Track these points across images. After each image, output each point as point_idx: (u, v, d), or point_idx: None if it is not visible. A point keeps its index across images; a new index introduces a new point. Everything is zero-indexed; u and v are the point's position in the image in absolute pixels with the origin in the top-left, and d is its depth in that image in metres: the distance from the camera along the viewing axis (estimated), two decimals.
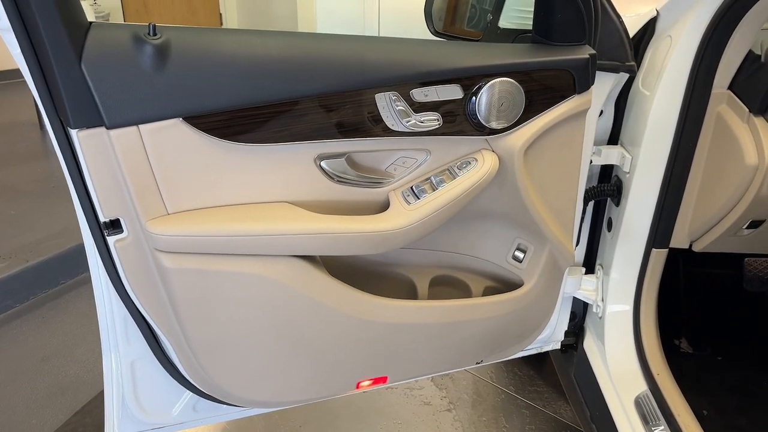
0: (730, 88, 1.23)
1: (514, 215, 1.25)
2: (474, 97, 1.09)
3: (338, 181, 1.11)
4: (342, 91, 1.01)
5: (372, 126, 1.06)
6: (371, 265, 1.27)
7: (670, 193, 1.30)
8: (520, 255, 1.31)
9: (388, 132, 1.08)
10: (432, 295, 1.32)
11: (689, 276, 1.76)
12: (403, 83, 1.04)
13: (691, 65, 1.21)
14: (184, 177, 0.97)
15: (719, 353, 1.66)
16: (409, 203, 1.11)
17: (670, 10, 1.25)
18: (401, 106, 1.06)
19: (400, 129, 1.08)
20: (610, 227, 1.45)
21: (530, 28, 1.28)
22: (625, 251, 1.41)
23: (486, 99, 1.09)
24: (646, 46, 1.32)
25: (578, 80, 1.14)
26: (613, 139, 1.36)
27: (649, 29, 1.31)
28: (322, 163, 1.08)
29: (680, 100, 1.23)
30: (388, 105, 1.05)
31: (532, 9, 1.24)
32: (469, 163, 1.14)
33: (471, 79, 1.08)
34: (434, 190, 1.12)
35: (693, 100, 1.22)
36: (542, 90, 1.13)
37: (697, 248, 1.40)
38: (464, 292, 1.34)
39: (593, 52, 1.14)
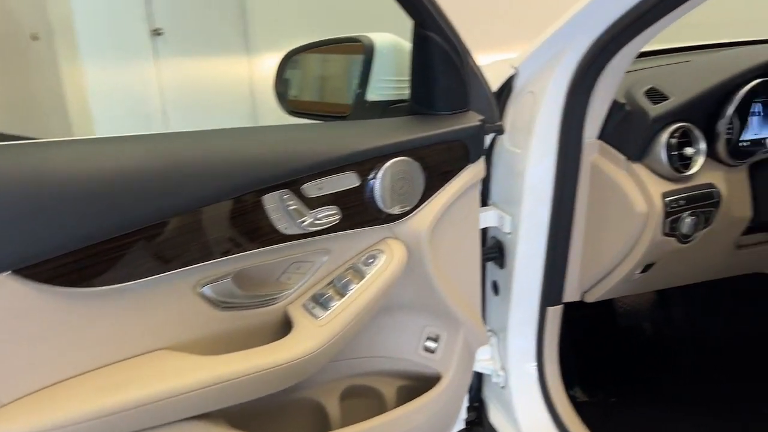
0: (601, 137, 1.24)
1: (422, 303, 1.11)
2: (372, 183, 0.95)
3: (224, 307, 0.88)
4: (222, 200, 0.81)
5: (262, 234, 0.87)
6: (268, 398, 1.04)
7: (557, 248, 1.26)
8: (432, 345, 1.17)
9: (282, 238, 0.89)
10: (344, 411, 1.12)
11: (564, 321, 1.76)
12: (293, 178, 0.87)
13: (559, 120, 1.19)
14: (23, 349, 0.69)
15: (611, 395, 1.67)
16: (317, 317, 0.92)
17: (528, 67, 1.23)
18: (294, 204, 0.88)
19: (295, 232, 0.89)
20: (497, 291, 1.38)
21: (400, 98, 1.18)
22: (519, 313, 1.34)
23: (385, 183, 0.96)
24: (506, 103, 1.29)
25: (472, 149, 1.06)
26: (482, 200, 1.31)
27: (507, 87, 1.28)
28: (204, 290, 0.85)
29: (554, 155, 1.21)
30: (279, 206, 0.86)
31: (403, 78, 1.14)
32: (375, 256, 0.99)
33: (367, 163, 0.94)
34: (342, 296, 0.95)
35: (566, 154, 1.20)
36: (439, 165, 1.03)
37: (589, 299, 1.38)
38: (377, 400, 1.16)
39: (482, 117, 1.07)
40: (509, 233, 1.28)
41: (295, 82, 1.23)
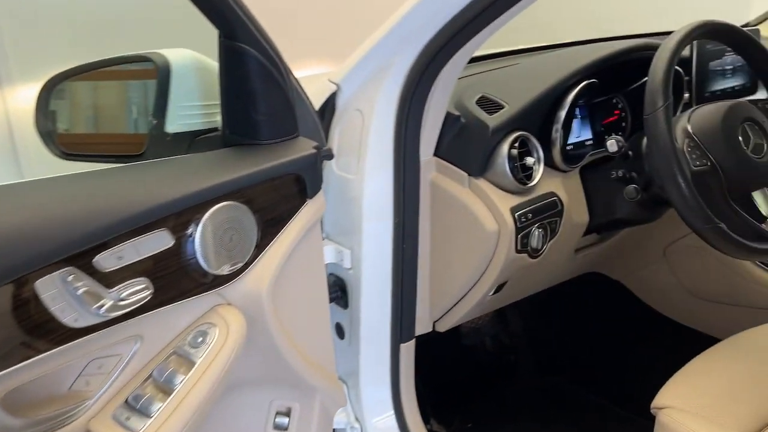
0: (438, 154, 1.14)
1: (268, 375, 0.91)
2: (191, 240, 0.73)
3: None
4: None
5: (40, 335, 0.61)
6: None
7: (405, 279, 1.14)
8: (283, 421, 0.97)
9: (71, 333, 0.63)
10: None
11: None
12: (78, 251, 0.62)
13: (392, 138, 1.07)
14: None
15: (467, 419, 1.59)
16: (135, 431, 0.68)
17: (352, 83, 1.09)
18: (85, 286, 0.63)
19: (90, 322, 0.65)
20: (341, 334, 1.23)
21: (210, 126, 0.97)
22: (369, 355, 1.20)
23: (207, 238, 0.75)
24: (329, 124, 1.15)
25: (309, 182, 0.89)
26: None
27: (330, 105, 1.13)
28: None
29: (391, 178, 1.09)
30: (61, 292, 0.61)
31: (211, 103, 0.93)
32: (205, 333, 0.77)
33: (181, 216, 0.72)
34: (168, 394, 0.71)
35: (404, 175, 1.09)
36: (273, 205, 0.84)
37: (442, 329, 1.28)
38: None
39: (316, 144, 0.90)
40: (350, 268, 1.13)
41: (65, 116, 0.95)
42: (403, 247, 1.12)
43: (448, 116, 1.10)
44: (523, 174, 1.09)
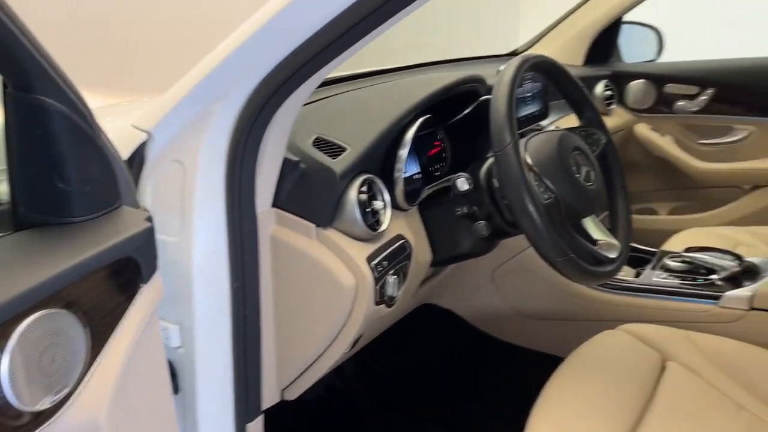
0: (277, 205, 1.01)
1: None
2: None
3: None
4: None
5: None
6: None
7: (248, 351, 1.00)
8: None
9: None
10: None
11: None
12: None
13: (224, 192, 0.93)
14: None
15: None
16: None
17: (166, 130, 0.92)
18: None
19: None
20: None
21: None
22: None
23: (18, 367, 0.54)
24: (137, 178, 0.96)
25: (144, 264, 0.70)
26: None
27: (138, 156, 0.95)
28: None
29: (224, 237, 0.94)
30: None
31: None
32: None
33: None
34: None
35: (240, 233, 0.95)
36: (103, 302, 0.64)
37: (291, 396, 1.14)
38: None
39: (147, 214, 0.72)
40: (179, 347, 0.95)
41: None
42: (245, 314, 0.98)
43: (286, 162, 0.99)
44: (373, 219, 1.02)
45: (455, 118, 1.25)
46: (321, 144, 1.03)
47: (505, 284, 1.46)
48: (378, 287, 1.01)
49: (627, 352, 1.20)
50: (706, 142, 2.06)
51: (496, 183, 1.09)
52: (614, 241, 1.12)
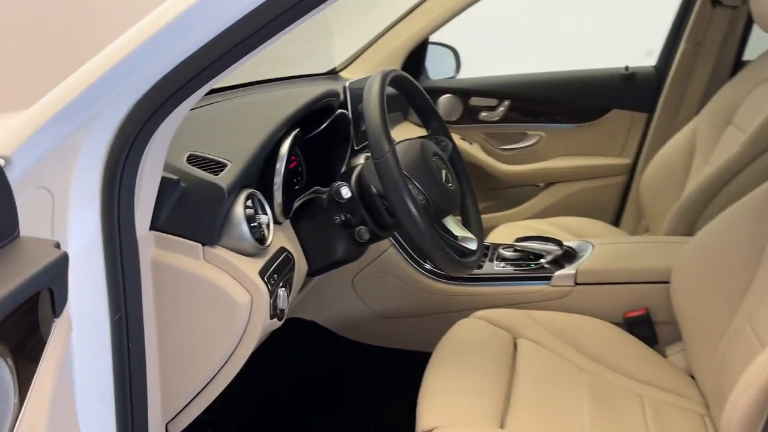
0: (157, 227, 0.95)
1: None
2: None
3: None
4: None
5: None
6: None
7: (134, 385, 0.94)
8: None
9: None
10: None
11: None
12: None
13: (99, 219, 0.87)
14: None
15: None
16: None
17: (27, 156, 0.84)
18: None
19: None
20: None
21: None
22: None
23: None
24: None
25: (58, 296, 0.64)
26: None
27: None
28: None
29: (101, 266, 0.88)
30: None
31: None
32: None
33: None
34: None
35: (119, 261, 0.89)
36: (22, 343, 0.58)
37: (176, 429, 1.08)
38: None
39: (54, 241, 0.66)
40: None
41: None
42: (129, 347, 0.92)
43: (164, 182, 0.95)
44: (260, 233, 1.02)
45: (313, 132, 1.29)
46: (196, 161, 1.01)
47: (365, 289, 1.52)
48: (271, 301, 1.01)
49: (484, 336, 1.34)
50: (506, 147, 2.34)
51: (373, 189, 1.14)
52: (471, 235, 1.24)
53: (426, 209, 1.11)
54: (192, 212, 0.96)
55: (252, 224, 1.00)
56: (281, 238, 1.11)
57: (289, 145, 1.10)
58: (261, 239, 1.01)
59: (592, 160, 2.28)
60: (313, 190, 1.29)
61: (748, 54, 2.08)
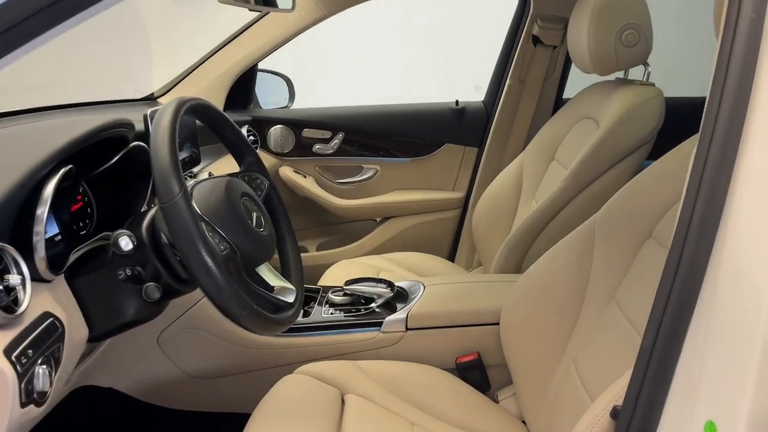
0: None
1: None
2: None
3: None
4: None
5: None
6: None
7: None
8: None
9: None
10: None
11: None
12: None
13: None
14: None
15: None
16: None
17: None
18: None
19: None
20: None
21: None
22: None
23: None
24: None
25: None
26: None
27: None
28: None
29: None
30: None
31: None
32: None
33: None
34: None
35: None
36: None
37: None
38: None
39: None
40: None
41: None
42: None
43: None
44: (9, 299, 0.80)
45: (101, 168, 1.09)
46: None
47: (174, 347, 1.32)
48: (23, 385, 0.79)
49: (308, 393, 1.20)
50: (342, 181, 2.25)
51: (164, 238, 0.97)
52: (289, 285, 1.11)
53: (231, 260, 0.96)
54: None
55: None
56: (45, 300, 0.90)
57: (54, 185, 0.90)
58: (10, 306, 0.80)
59: (427, 194, 2.25)
60: (100, 236, 1.09)
61: (570, 92, 2.17)
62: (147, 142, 1.29)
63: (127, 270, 0.97)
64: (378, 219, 2.28)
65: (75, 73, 2.38)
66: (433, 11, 2.93)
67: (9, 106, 1.48)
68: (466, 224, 2.22)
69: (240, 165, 1.19)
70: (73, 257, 1.00)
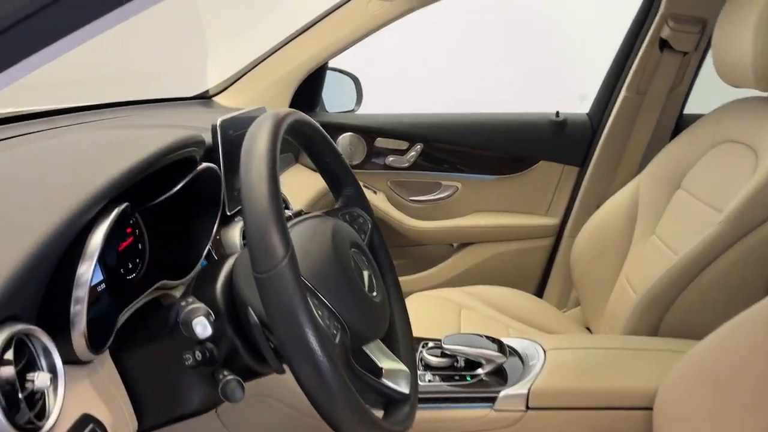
0: None
1: None
2: None
3: None
4: None
5: None
6: None
7: None
8: None
9: None
10: None
11: None
12: None
13: None
14: None
15: None
16: None
17: None
18: None
19: None
20: None
21: None
22: None
23: None
24: None
25: None
26: None
27: None
28: None
29: None
30: None
31: None
32: None
33: None
34: None
35: None
36: None
37: None
38: None
39: None
40: None
41: None
42: None
43: None
44: (33, 414, 0.54)
45: (161, 198, 0.82)
46: None
47: (236, 419, 1.05)
48: None
49: None
50: (416, 198, 1.97)
51: (252, 315, 0.69)
52: (400, 366, 0.83)
53: (342, 345, 0.68)
54: None
55: (12, 400, 0.52)
56: (83, 395, 0.64)
57: (104, 234, 0.64)
58: (30, 424, 0.54)
59: (515, 218, 1.94)
60: (158, 285, 0.83)
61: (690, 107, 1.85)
62: (215, 160, 1.04)
63: (197, 353, 0.69)
64: (455, 244, 1.98)
65: (119, 66, 2.14)
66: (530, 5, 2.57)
67: (42, 102, 1.24)
68: (559, 255, 1.91)
69: (337, 198, 0.91)
70: (121, 320, 0.74)
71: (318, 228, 0.75)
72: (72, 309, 0.62)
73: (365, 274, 0.76)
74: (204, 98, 1.89)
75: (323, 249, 0.72)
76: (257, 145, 0.65)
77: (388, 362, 0.81)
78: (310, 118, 0.80)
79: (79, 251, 0.63)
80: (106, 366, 0.71)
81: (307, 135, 0.81)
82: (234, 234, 1.06)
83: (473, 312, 1.66)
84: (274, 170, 0.63)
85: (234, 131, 1.07)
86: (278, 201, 0.62)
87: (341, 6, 1.77)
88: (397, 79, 2.49)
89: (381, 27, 1.73)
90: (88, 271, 0.62)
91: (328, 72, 2.01)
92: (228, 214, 1.06)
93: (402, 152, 1.92)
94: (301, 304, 0.59)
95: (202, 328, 0.65)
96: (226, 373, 0.70)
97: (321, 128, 0.83)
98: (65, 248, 0.62)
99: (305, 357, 0.59)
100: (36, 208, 0.62)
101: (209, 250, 1.00)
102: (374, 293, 0.77)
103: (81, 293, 0.62)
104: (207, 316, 0.66)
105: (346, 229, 0.78)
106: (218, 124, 1.03)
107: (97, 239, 0.63)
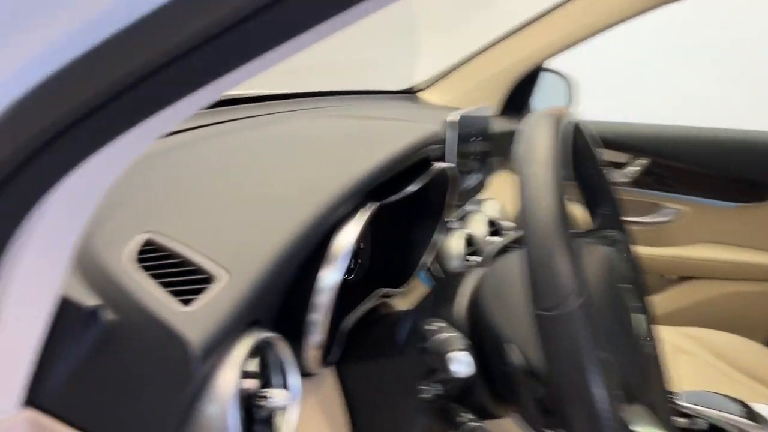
0: (41, 403, 0.43)
1: None
2: None
3: None
4: None
5: None
6: None
7: None
8: None
9: None
10: None
11: None
12: None
13: None
14: None
15: None
16: None
17: None
18: None
19: None
20: None
21: None
22: None
23: None
24: None
25: None
26: None
27: None
28: None
29: None
30: None
31: None
32: None
33: None
34: None
35: None
36: None
37: None
38: None
39: None
40: None
41: None
42: None
43: (68, 310, 0.41)
44: (263, 427, 0.47)
45: (397, 195, 0.74)
46: (156, 260, 0.47)
47: None
48: None
49: None
50: (632, 219, 1.75)
51: (517, 361, 0.58)
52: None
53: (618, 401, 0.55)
54: (120, 382, 0.43)
55: (250, 412, 0.45)
56: (312, 412, 0.56)
57: (358, 236, 0.56)
58: None
59: (753, 255, 1.66)
60: (382, 294, 0.75)
61: None
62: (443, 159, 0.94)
63: (439, 387, 0.59)
64: (675, 277, 1.74)
65: (326, 56, 2.15)
66: None
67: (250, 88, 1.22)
68: None
69: (593, 217, 0.77)
70: (344, 328, 0.67)
71: (595, 255, 0.62)
72: (310, 316, 0.54)
73: (641, 318, 0.62)
74: (409, 93, 1.83)
75: (597, 284, 0.58)
76: (536, 150, 0.53)
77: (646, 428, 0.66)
78: (586, 123, 0.67)
79: (321, 252, 0.56)
80: (329, 380, 0.64)
81: (577, 142, 0.68)
82: (456, 243, 0.96)
83: (692, 357, 1.44)
84: (562, 186, 0.51)
85: (475, 129, 0.98)
86: (566, 224, 0.50)
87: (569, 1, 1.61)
88: (609, 83, 2.26)
89: (615, 25, 1.55)
90: (331, 276, 0.54)
91: (543, 73, 1.87)
92: (446, 220, 0.97)
93: (620, 165, 1.71)
94: (590, 350, 0.46)
95: (463, 366, 0.55)
96: (463, 413, 0.59)
97: (593, 136, 0.70)
98: (310, 252, 0.55)
99: (586, 409, 0.46)
100: (290, 198, 0.55)
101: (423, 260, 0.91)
102: (646, 340, 0.62)
103: (322, 300, 0.54)
104: (468, 350, 0.56)
105: (618, 260, 0.64)
106: (448, 121, 0.94)
107: (345, 241, 0.55)
